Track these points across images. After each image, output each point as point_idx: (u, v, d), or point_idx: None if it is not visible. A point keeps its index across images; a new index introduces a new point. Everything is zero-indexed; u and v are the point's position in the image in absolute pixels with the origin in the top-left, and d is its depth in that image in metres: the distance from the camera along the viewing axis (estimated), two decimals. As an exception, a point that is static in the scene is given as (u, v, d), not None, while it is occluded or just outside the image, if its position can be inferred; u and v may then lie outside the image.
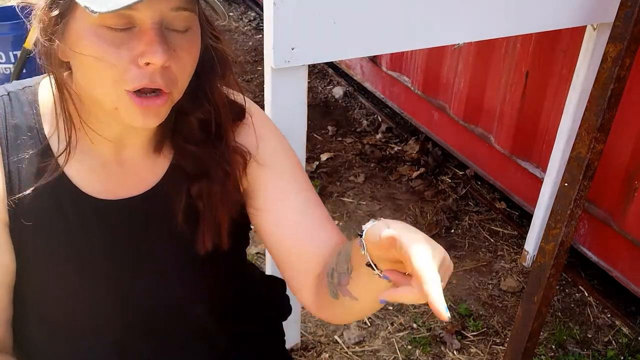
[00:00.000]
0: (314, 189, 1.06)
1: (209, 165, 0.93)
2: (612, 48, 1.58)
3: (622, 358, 2.17)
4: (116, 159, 0.92)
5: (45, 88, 0.90)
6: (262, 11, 1.35)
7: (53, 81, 0.84)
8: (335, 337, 2.21)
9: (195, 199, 0.94)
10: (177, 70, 0.78)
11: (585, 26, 1.98)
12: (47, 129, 0.88)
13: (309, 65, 1.45)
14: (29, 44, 3.46)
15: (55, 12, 0.77)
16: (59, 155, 0.87)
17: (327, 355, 2.13)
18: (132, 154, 0.93)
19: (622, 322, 2.32)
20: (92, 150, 0.89)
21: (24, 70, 3.55)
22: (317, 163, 3.22)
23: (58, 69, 0.82)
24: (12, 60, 3.63)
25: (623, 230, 2.25)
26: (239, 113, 0.99)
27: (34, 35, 0.80)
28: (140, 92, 0.77)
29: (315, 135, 3.51)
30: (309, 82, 3.31)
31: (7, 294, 0.91)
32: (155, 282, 0.96)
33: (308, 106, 1.51)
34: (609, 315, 2.36)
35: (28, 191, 0.86)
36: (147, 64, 0.74)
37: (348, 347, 2.17)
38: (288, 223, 0.99)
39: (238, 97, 1.00)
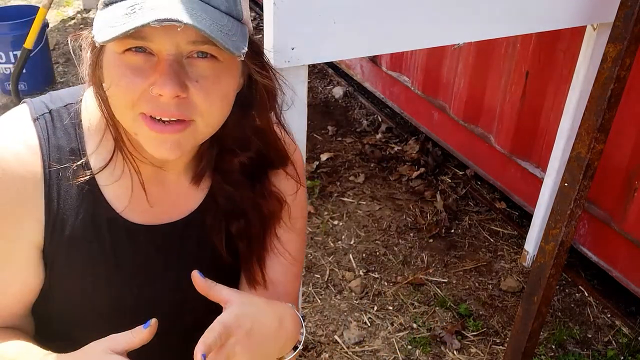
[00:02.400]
0: (303, 258, 1.10)
1: (245, 205, 0.94)
2: (612, 48, 1.58)
3: (622, 358, 2.17)
4: (155, 184, 0.92)
5: (88, 108, 0.90)
6: (262, 11, 1.34)
7: (97, 102, 0.85)
8: (335, 337, 2.21)
9: (235, 239, 0.95)
10: (200, 99, 0.77)
11: (585, 26, 1.98)
12: (90, 150, 0.88)
13: (309, 65, 1.45)
14: (29, 44, 3.46)
15: (94, 44, 0.79)
16: (98, 172, 0.87)
17: (327, 355, 2.13)
18: (170, 181, 0.93)
19: (622, 322, 2.32)
20: (132, 174, 0.89)
21: (24, 70, 3.56)
22: (317, 163, 3.22)
23: (101, 93, 0.83)
24: (12, 60, 3.63)
25: (623, 230, 2.25)
26: (282, 160, 0.98)
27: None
28: (156, 120, 0.77)
29: (315, 135, 3.51)
30: (309, 82, 3.29)
31: (23, 309, 0.92)
32: (187, 308, 0.97)
33: (308, 106, 1.51)
34: (609, 315, 2.36)
35: (67, 212, 0.87)
36: (160, 95, 0.75)
37: (348, 347, 2.17)
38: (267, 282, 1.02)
39: (286, 139, 1.00)
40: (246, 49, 0.76)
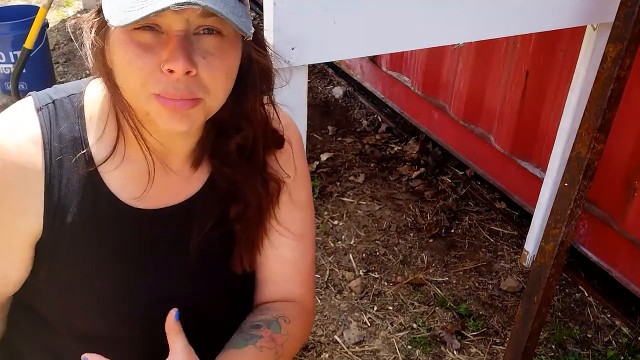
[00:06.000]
0: (314, 233, 1.11)
1: (244, 188, 0.95)
2: (612, 48, 1.58)
3: (622, 358, 2.17)
4: (157, 168, 0.92)
5: (91, 97, 0.90)
6: (262, 11, 1.34)
7: (104, 85, 0.85)
8: (335, 337, 2.21)
9: (233, 221, 0.96)
10: (207, 76, 0.79)
11: (585, 26, 1.98)
12: (91, 138, 0.89)
13: (309, 65, 1.45)
14: (29, 44, 3.46)
15: (100, 20, 0.80)
16: (101, 164, 0.88)
17: (327, 355, 2.13)
18: (172, 165, 0.93)
19: (622, 322, 2.32)
20: (133, 158, 0.90)
21: (24, 70, 3.56)
22: (317, 163, 3.22)
23: (107, 74, 0.83)
24: (12, 60, 3.63)
25: (623, 230, 2.25)
26: (279, 141, 1.00)
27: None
28: (168, 99, 0.78)
29: (315, 135, 3.51)
30: (309, 82, 3.30)
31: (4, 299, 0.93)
32: (189, 293, 0.97)
33: (308, 106, 1.51)
34: (609, 315, 2.36)
35: (69, 201, 0.87)
36: (171, 71, 0.76)
37: (348, 347, 2.17)
38: (273, 262, 1.04)
39: (282, 119, 1.01)
40: (253, 28, 0.79)
